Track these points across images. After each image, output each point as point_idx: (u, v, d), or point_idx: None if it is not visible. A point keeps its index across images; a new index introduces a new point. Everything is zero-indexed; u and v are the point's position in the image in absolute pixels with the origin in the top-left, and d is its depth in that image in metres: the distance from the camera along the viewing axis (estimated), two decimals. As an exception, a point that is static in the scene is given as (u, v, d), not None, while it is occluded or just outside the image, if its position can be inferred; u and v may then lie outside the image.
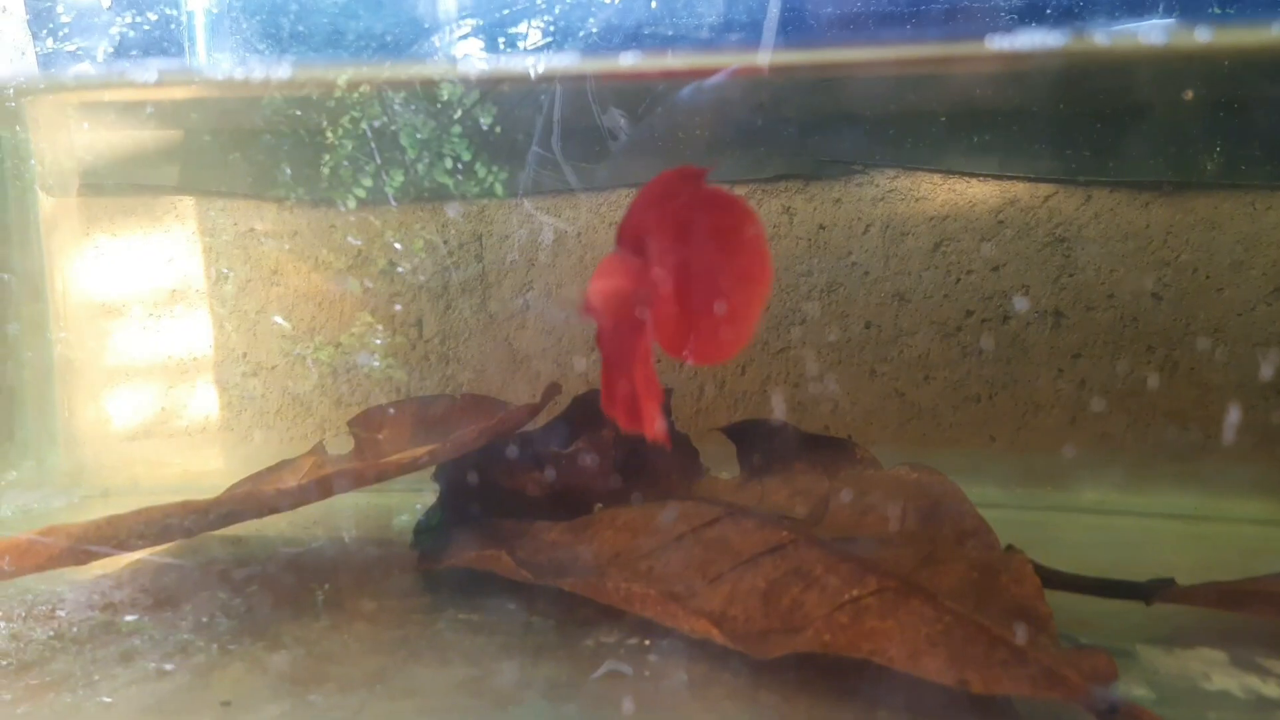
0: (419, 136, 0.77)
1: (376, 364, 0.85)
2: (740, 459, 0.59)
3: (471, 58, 0.77)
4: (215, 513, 0.44)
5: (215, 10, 0.81)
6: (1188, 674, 0.37)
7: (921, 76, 0.77)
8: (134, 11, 0.79)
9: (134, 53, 0.78)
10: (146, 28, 0.78)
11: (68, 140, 0.85)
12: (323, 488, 0.47)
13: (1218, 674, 0.37)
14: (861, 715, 0.36)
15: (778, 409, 0.79)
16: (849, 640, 0.37)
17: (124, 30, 0.79)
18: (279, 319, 0.85)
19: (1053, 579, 0.44)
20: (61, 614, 0.45)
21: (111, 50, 0.78)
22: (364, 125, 0.80)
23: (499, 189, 0.81)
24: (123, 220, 0.88)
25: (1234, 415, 0.73)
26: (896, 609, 0.37)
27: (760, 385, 0.82)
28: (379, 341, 0.85)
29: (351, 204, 0.81)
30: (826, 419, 0.81)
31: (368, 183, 0.82)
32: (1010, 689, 0.33)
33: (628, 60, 0.72)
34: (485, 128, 0.78)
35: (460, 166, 0.80)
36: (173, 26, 0.78)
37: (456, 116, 0.78)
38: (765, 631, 0.39)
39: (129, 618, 0.44)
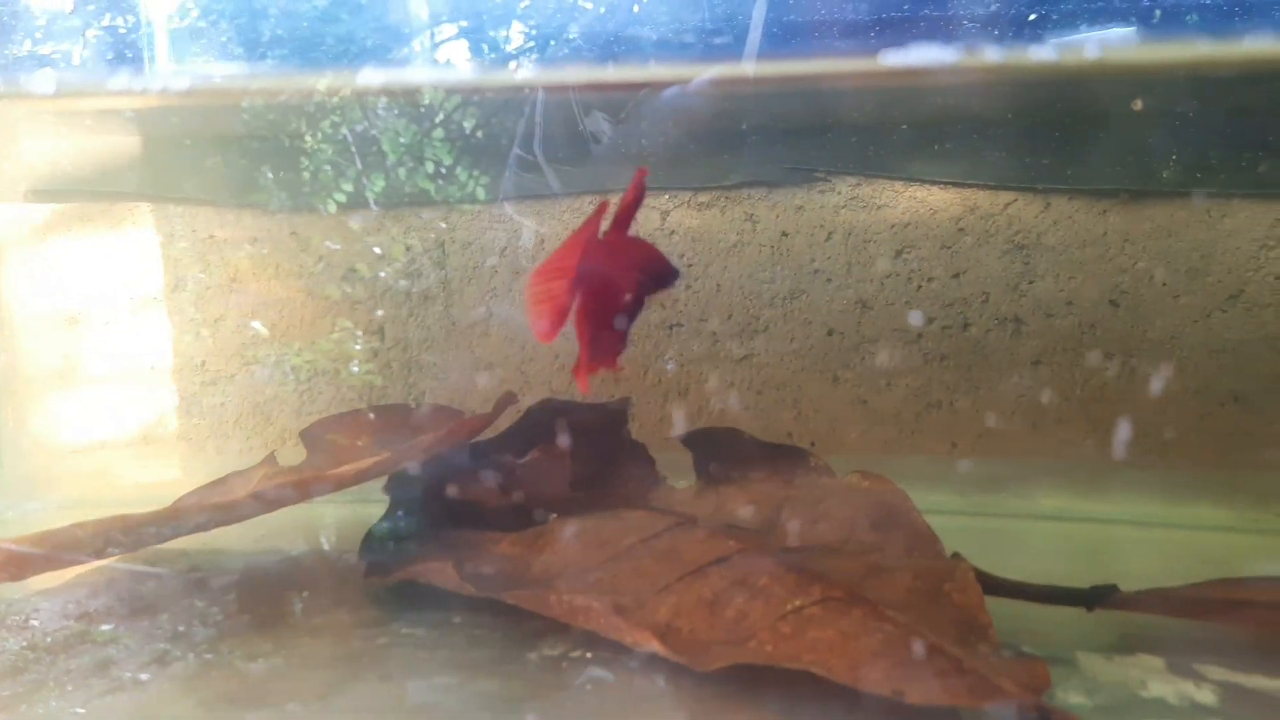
0: (401, 141, 0.77)
1: (339, 372, 0.84)
2: (696, 468, 0.58)
3: (450, 64, 0.77)
4: (155, 526, 0.43)
5: (177, 16, 0.80)
6: (1126, 681, 0.37)
7: (883, 86, 0.77)
8: (93, 17, 0.78)
9: (90, 59, 0.77)
10: (104, 35, 0.77)
11: (16, 147, 0.83)
12: (267, 500, 0.46)
13: (1155, 681, 0.37)
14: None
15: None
16: (791, 651, 0.37)
17: (82, 36, 0.78)
18: (257, 324, 0.84)
19: (998, 586, 0.44)
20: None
21: (69, 56, 0.77)
22: (329, 132, 0.79)
23: (479, 194, 0.80)
24: (79, 227, 0.87)
25: (1191, 421, 0.73)
26: (839, 619, 0.37)
27: (724, 393, 0.82)
28: (341, 349, 0.84)
29: (330, 208, 0.80)
30: (790, 426, 0.81)
31: (332, 189, 0.81)
32: (946, 699, 0.33)
33: (608, 71, 0.72)
34: (461, 134, 0.78)
35: (441, 171, 0.79)
36: (129, 34, 0.77)
37: (434, 122, 0.77)
38: (709, 643, 0.39)
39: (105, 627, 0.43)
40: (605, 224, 0.40)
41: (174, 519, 0.44)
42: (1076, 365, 0.76)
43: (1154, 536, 0.61)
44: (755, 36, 0.72)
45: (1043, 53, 0.69)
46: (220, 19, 0.78)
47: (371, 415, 0.60)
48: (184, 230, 0.86)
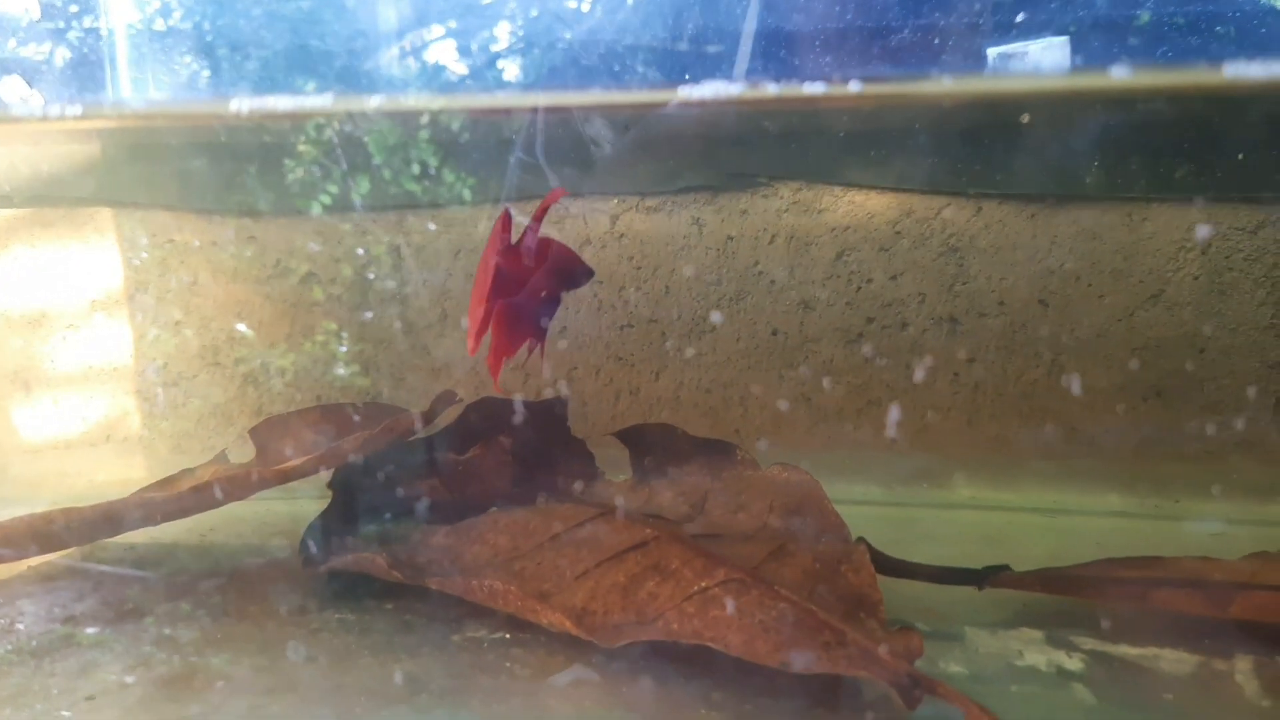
0: (386, 143, 0.78)
1: (299, 372, 0.86)
2: (633, 462, 0.61)
3: (408, 88, 0.79)
4: (93, 522, 0.45)
5: (140, 28, 0.81)
6: (1004, 652, 0.40)
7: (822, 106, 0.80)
8: (53, 31, 0.79)
9: (49, 75, 0.79)
10: (66, 51, 0.79)
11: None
12: (206, 496, 0.48)
13: (1031, 651, 0.40)
14: (709, 699, 0.38)
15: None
16: (693, 628, 0.39)
17: (40, 49, 0.79)
18: (242, 326, 0.86)
19: (898, 568, 0.46)
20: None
21: (25, 69, 0.79)
22: (294, 141, 0.81)
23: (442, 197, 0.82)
24: (41, 232, 0.89)
25: (1115, 415, 0.77)
26: (738, 598, 0.40)
27: (674, 391, 0.85)
28: (300, 351, 0.86)
29: (315, 212, 0.82)
30: (737, 423, 0.84)
31: (287, 194, 0.83)
32: (829, 668, 0.36)
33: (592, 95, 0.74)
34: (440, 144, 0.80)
35: (414, 177, 0.81)
36: (88, 51, 0.79)
37: (412, 134, 0.79)
38: (621, 623, 0.41)
39: None
40: (517, 231, 0.42)
41: (112, 515, 0.46)
42: (1009, 362, 0.80)
43: (1053, 523, 0.65)
44: (746, 49, 0.75)
45: (970, 77, 0.72)
46: (182, 45, 0.79)
47: (318, 414, 0.62)
48: (145, 234, 0.87)
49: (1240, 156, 0.75)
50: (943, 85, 0.69)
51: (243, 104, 0.67)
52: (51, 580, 0.51)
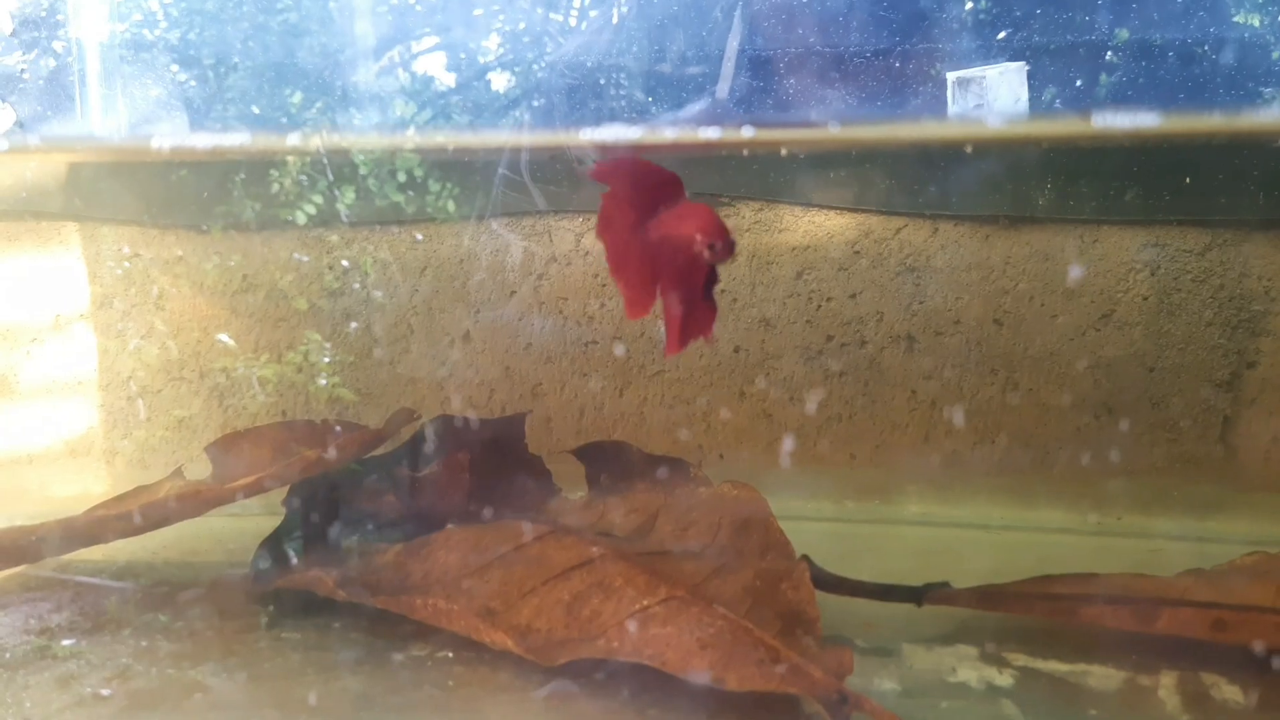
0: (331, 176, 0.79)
1: (263, 386, 0.86)
2: (589, 479, 0.62)
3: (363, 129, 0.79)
4: (43, 539, 0.45)
5: (108, 43, 0.82)
6: (938, 668, 0.41)
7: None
8: (25, 42, 0.79)
9: (20, 89, 0.79)
10: (28, 71, 0.79)
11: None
12: (155, 515, 0.48)
13: (964, 667, 0.41)
14: (645, 715, 0.39)
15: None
16: (633, 646, 0.40)
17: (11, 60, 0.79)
18: (224, 337, 0.86)
19: (839, 585, 0.47)
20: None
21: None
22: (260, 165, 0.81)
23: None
24: (6, 246, 0.88)
25: (1055, 431, 0.78)
26: (678, 616, 0.41)
27: (637, 407, 0.86)
28: (264, 365, 0.86)
29: (287, 226, 0.82)
30: (701, 439, 0.85)
31: (258, 210, 0.83)
32: (762, 685, 0.37)
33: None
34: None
35: (407, 188, 0.81)
36: (56, 69, 0.79)
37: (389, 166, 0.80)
38: (563, 641, 0.42)
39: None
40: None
41: (63, 533, 0.46)
42: (964, 380, 0.81)
43: (1005, 539, 0.66)
44: (729, 68, 0.77)
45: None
46: (161, 60, 0.80)
47: (276, 431, 0.62)
48: (110, 249, 0.87)
49: (1188, 180, 0.78)
50: (900, 130, 0.71)
51: (208, 139, 0.68)
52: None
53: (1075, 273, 0.74)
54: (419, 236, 0.85)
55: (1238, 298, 0.77)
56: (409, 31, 0.78)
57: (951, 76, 0.82)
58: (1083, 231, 0.80)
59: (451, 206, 0.82)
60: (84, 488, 0.88)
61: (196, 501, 0.49)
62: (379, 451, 0.59)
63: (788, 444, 0.83)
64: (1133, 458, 0.75)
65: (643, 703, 0.39)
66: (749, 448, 0.84)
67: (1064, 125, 0.74)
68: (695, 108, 0.79)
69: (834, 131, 0.70)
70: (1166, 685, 0.40)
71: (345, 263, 0.85)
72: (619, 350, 0.84)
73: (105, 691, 0.40)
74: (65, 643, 0.45)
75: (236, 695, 0.40)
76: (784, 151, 0.80)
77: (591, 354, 0.86)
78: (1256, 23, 0.74)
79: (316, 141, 0.75)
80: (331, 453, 0.53)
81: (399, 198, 0.83)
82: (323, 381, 0.84)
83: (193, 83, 0.78)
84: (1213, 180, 0.77)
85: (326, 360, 0.85)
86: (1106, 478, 0.74)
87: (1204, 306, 0.78)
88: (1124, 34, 0.76)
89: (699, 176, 0.83)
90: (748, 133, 0.66)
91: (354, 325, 0.86)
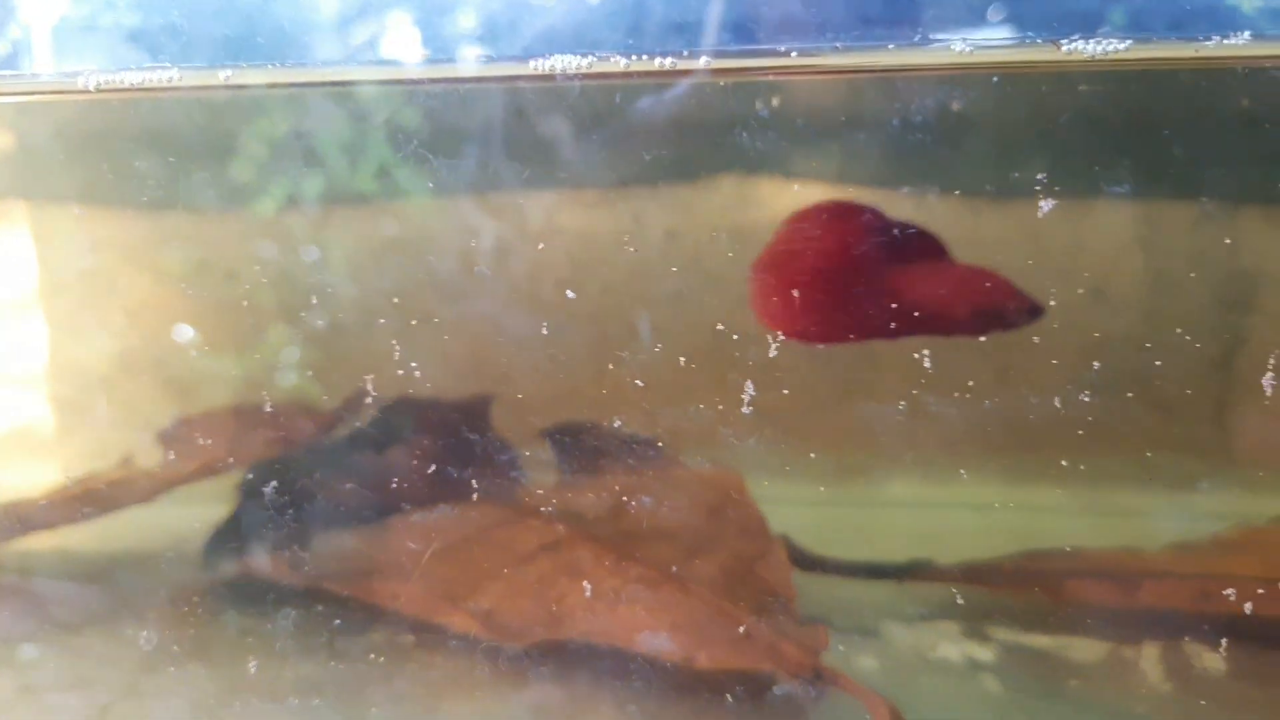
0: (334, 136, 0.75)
1: (220, 374, 0.83)
2: (558, 461, 0.60)
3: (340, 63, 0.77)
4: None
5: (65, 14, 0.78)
6: (919, 646, 0.39)
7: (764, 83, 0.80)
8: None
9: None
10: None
11: None
12: (106, 500, 0.46)
13: (945, 644, 0.39)
14: (616, 697, 0.37)
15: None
16: (602, 627, 0.38)
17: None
18: (186, 328, 0.83)
19: (819, 564, 0.46)
20: None
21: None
22: (222, 131, 0.78)
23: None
24: (-50, 229, 0.85)
25: (1047, 410, 0.77)
26: (648, 597, 0.39)
27: (614, 389, 0.84)
28: (223, 352, 0.83)
29: (249, 210, 0.79)
30: (678, 420, 0.83)
31: (218, 190, 0.80)
32: (734, 663, 0.35)
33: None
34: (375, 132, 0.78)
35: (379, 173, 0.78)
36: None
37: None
38: (530, 623, 0.40)
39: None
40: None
41: (11, 518, 0.44)
42: (955, 360, 0.80)
43: (992, 519, 0.65)
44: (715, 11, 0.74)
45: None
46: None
47: (231, 415, 0.59)
48: (62, 232, 0.84)
49: (1180, 153, 0.77)
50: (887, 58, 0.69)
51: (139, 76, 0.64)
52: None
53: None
54: (374, 224, 0.82)
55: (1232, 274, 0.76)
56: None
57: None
58: (1073, 207, 0.79)
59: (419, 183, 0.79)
60: (31, 477, 0.84)
61: (148, 485, 0.46)
62: (337, 434, 0.57)
63: (768, 426, 0.81)
64: (1124, 436, 0.74)
65: (612, 683, 0.37)
66: (729, 429, 0.82)
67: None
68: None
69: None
70: (1149, 656, 0.39)
71: (313, 246, 0.83)
72: (593, 331, 0.82)
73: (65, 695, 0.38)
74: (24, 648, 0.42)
75: (188, 683, 0.37)
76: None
77: (565, 336, 0.84)
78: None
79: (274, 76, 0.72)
80: (287, 436, 0.50)
81: (370, 185, 0.81)
82: (283, 366, 0.82)
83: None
84: (1206, 153, 0.76)
85: (287, 345, 0.82)
86: (1097, 456, 0.73)
87: (1198, 284, 0.77)
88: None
89: (676, 148, 0.82)
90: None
91: (318, 311, 0.83)
